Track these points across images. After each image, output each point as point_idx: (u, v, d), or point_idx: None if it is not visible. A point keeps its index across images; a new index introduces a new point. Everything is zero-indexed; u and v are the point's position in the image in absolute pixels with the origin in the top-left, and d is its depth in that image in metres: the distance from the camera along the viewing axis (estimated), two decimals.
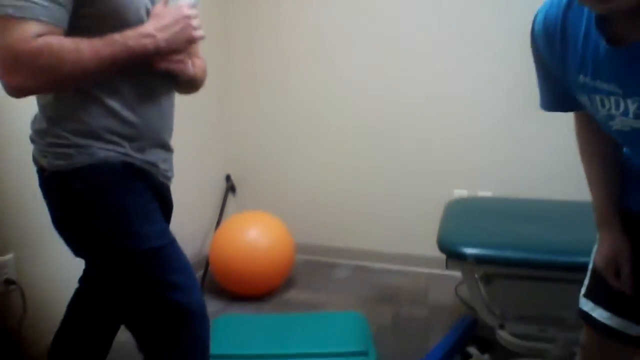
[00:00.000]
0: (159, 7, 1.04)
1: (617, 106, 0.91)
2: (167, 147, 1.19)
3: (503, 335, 1.81)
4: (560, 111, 1.10)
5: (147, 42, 1.00)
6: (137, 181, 1.09)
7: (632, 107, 0.89)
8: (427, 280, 2.62)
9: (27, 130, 1.10)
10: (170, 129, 1.20)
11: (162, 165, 1.16)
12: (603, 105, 0.93)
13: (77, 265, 1.74)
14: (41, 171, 1.08)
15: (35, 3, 0.89)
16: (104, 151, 1.04)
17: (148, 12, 1.04)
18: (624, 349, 1.04)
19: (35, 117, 1.10)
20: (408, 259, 2.76)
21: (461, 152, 2.56)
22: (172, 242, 1.13)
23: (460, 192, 2.50)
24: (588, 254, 1.40)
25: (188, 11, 1.06)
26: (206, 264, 2.53)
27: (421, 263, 2.71)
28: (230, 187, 2.98)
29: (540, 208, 1.94)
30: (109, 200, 1.06)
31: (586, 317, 1.09)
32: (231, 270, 2.34)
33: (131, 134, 1.07)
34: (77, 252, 1.14)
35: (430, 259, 2.63)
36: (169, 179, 1.21)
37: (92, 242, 1.09)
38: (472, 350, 1.80)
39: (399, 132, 2.69)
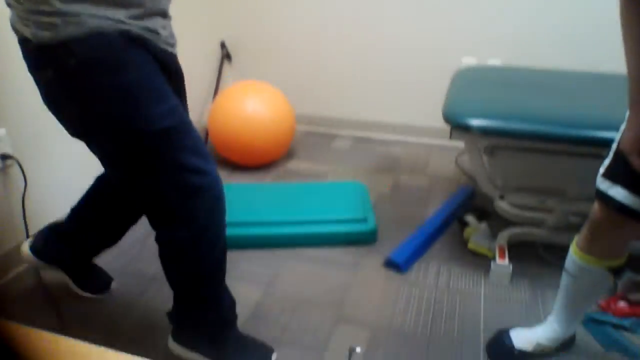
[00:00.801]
0: None
1: None
2: (165, 14, 1.05)
3: (502, 205, 1.85)
4: None
5: None
6: (137, 52, 0.97)
7: None
8: (428, 151, 2.62)
9: None
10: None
11: (163, 32, 1.03)
12: None
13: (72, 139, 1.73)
14: (24, 42, 0.95)
15: None
16: (95, 19, 0.90)
17: None
18: (636, 225, 1.06)
19: None
20: (410, 129, 2.74)
21: (470, 17, 2.38)
22: (183, 121, 1.04)
23: (469, 60, 2.38)
24: (597, 128, 1.37)
25: None
26: (205, 134, 2.51)
27: (423, 133, 2.69)
28: (226, 55, 2.84)
29: (553, 79, 1.84)
30: (109, 78, 0.94)
31: (602, 195, 1.08)
32: (231, 141, 2.32)
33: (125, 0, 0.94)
34: (75, 134, 1.06)
35: (433, 129, 2.61)
36: (172, 45, 1.08)
37: (92, 125, 1.00)
38: (470, 218, 1.85)
39: None
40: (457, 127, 1.57)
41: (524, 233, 1.76)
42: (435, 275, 1.66)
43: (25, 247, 1.47)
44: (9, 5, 0.96)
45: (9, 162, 1.57)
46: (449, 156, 2.49)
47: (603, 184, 1.09)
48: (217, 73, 2.79)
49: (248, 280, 1.61)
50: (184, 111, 1.09)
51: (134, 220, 1.40)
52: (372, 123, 2.81)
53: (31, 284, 1.60)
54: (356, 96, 2.80)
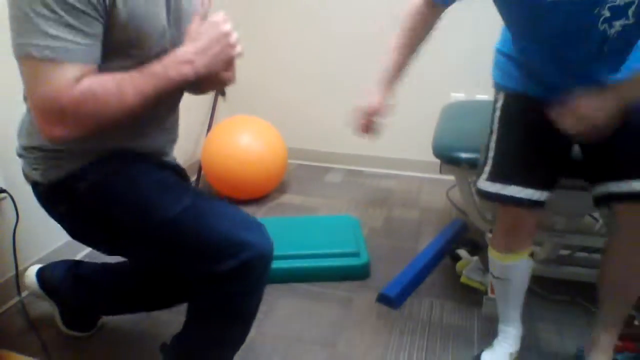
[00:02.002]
0: (194, 27, 0.95)
1: None
2: (167, 154, 1.15)
3: None
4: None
5: (187, 70, 0.91)
6: (137, 162, 1.03)
7: None
8: (419, 184, 2.65)
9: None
10: (173, 141, 1.15)
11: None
12: None
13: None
14: (35, 186, 1.03)
15: (72, 42, 0.79)
16: (97, 146, 0.99)
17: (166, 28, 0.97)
18: (530, 212, 1.24)
19: (22, 127, 1.04)
20: (401, 163, 2.77)
21: (458, 54, 2.45)
22: (195, 200, 1.02)
23: (458, 96, 2.44)
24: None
25: (225, 27, 0.95)
26: (199, 168, 2.52)
27: (414, 167, 2.73)
28: (220, 91, 2.88)
29: None
30: (118, 186, 0.99)
31: (498, 196, 1.25)
32: (224, 175, 2.33)
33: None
34: (113, 251, 1.10)
35: (424, 163, 2.64)
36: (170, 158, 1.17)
37: (121, 234, 1.01)
38: (462, 252, 1.85)
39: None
40: (447, 161, 1.60)
41: None
42: (428, 310, 1.66)
43: (32, 273, 1.46)
44: (20, 156, 1.06)
45: (1, 195, 1.56)
46: (440, 189, 2.52)
47: (493, 187, 1.25)
48: (210, 108, 2.82)
49: None
50: (196, 193, 1.07)
51: (169, 304, 1.37)
52: (363, 157, 2.85)
53: (20, 319, 1.57)
54: (348, 130, 2.84)
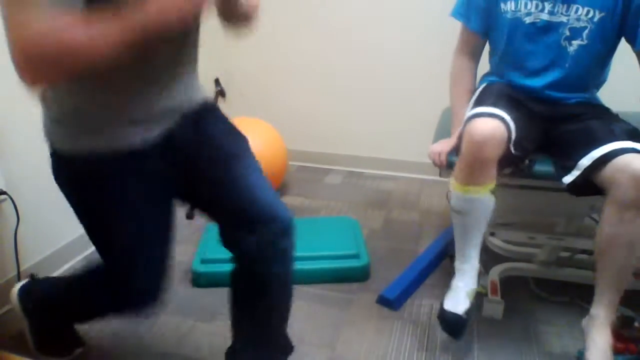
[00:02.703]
0: None
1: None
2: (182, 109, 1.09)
3: (493, 241, 1.87)
4: (472, 24, 1.55)
5: (170, 12, 0.81)
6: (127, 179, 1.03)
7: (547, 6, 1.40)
8: (419, 186, 2.65)
9: None
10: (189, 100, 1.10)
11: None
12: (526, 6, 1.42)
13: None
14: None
15: None
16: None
17: None
18: (495, 139, 1.31)
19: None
20: (401, 165, 2.77)
21: None
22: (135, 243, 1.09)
23: None
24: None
25: None
26: None
27: (414, 169, 2.73)
28: (220, 92, 2.89)
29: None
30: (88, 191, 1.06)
31: (471, 116, 1.36)
32: None
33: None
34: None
35: (423, 166, 2.64)
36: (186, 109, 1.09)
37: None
38: None
39: (396, 37, 2.56)
40: (446, 164, 1.60)
41: (516, 268, 1.77)
42: (428, 312, 1.66)
43: (15, 289, 1.41)
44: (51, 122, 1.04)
45: (1, 197, 1.57)
46: (440, 191, 2.52)
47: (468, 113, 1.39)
48: None
49: None
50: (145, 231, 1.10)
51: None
52: (364, 158, 2.85)
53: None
54: (348, 132, 2.85)
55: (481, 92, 1.53)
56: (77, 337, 1.46)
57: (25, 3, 0.75)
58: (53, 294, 1.33)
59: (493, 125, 1.29)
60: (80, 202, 1.07)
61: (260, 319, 1.20)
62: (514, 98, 1.46)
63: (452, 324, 1.42)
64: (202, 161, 1.10)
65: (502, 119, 1.31)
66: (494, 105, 1.37)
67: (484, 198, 1.36)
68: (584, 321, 1.38)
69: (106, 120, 0.98)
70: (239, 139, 1.18)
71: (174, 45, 1.02)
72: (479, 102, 1.44)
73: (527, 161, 1.44)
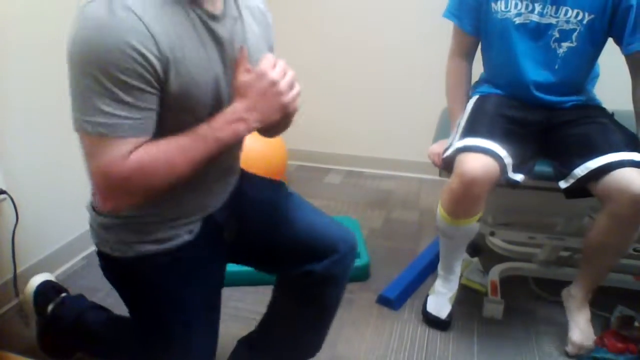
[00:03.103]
0: (241, 80, 0.90)
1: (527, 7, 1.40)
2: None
3: (493, 241, 1.87)
4: (465, 24, 1.54)
5: (240, 129, 0.88)
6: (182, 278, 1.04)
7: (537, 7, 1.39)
8: (419, 186, 2.65)
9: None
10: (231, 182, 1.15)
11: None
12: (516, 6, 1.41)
13: (65, 172, 1.73)
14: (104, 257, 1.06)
15: (125, 117, 0.79)
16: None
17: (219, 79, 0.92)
18: (485, 175, 1.32)
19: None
20: (401, 164, 2.77)
21: None
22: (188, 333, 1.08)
23: None
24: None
25: (273, 74, 0.88)
26: None
27: (414, 169, 2.73)
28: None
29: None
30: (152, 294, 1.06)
31: (462, 148, 1.38)
32: None
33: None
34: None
35: (424, 165, 2.62)
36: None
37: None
38: None
39: (396, 37, 2.56)
40: (446, 164, 1.59)
41: (516, 268, 1.76)
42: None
43: (34, 283, 1.43)
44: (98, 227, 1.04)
45: (1, 197, 1.56)
46: (440, 191, 2.51)
47: (459, 143, 1.38)
48: None
49: (239, 317, 1.58)
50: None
51: None
52: (363, 158, 2.84)
53: (19, 320, 1.57)
54: (348, 132, 2.84)
55: (474, 111, 1.52)
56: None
57: (106, 139, 0.79)
58: (84, 325, 1.32)
59: (483, 163, 1.29)
60: (131, 297, 1.08)
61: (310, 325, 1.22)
62: (508, 117, 1.45)
63: (437, 326, 1.57)
64: (251, 222, 1.14)
65: (494, 155, 1.31)
66: (488, 134, 1.36)
67: (471, 225, 1.42)
68: (564, 293, 1.50)
69: (155, 227, 0.99)
70: (275, 186, 1.25)
71: (228, 153, 1.06)
72: (471, 127, 1.43)
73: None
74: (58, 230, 1.83)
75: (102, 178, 0.82)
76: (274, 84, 0.89)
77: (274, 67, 0.90)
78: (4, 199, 1.57)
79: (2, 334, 1.52)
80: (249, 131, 0.90)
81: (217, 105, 0.92)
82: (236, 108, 0.88)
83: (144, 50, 0.77)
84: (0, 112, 1.55)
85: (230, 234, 1.10)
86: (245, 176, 1.22)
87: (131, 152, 0.81)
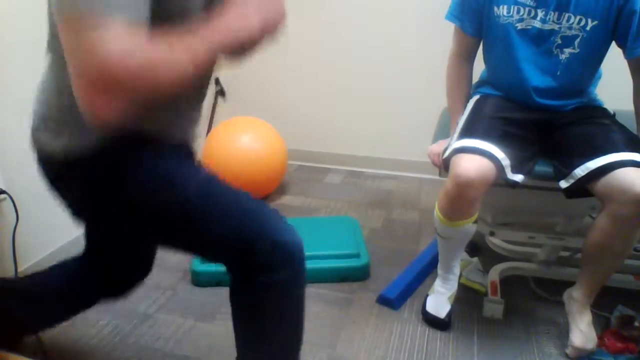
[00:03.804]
0: None
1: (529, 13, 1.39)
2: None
3: (493, 241, 1.87)
4: (466, 26, 1.53)
5: (243, 28, 0.81)
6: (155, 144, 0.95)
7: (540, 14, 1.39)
8: (419, 186, 2.65)
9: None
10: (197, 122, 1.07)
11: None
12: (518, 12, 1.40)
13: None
14: (49, 160, 0.96)
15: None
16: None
17: None
18: (480, 178, 1.32)
19: (44, 96, 0.93)
20: (401, 164, 2.77)
21: None
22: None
23: None
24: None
25: None
26: None
27: (414, 169, 2.73)
28: (220, 91, 2.89)
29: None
30: (142, 164, 0.92)
31: (460, 149, 1.37)
32: (224, 176, 2.32)
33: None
34: (124, 234, 1.06)
35: (424, 164, 2.63)
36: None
37: (142, 214, 0.95)
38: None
39: (396, 37, 2.56)
40: (446, 164, 1.59)
41: (516, 268, 1.76)
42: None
43: None
44: (37, 128, 0.94)
45: (1, 197, 1.56)
46: (440, 191, 2.51)
47: (457, 144, 1.37)
48: (210, 109, 2.82)
49: None
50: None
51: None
52: (363, 158, 2.85)
53: None
54: (348, 132, 2.85)
55: (473, 112, 1.52)
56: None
57: (98, 24, 0.66)
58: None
59: (478, 165, 1.29)
60: (135, 187, 0.94)
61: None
62: (507, 118, 1.45)
63: (436, 326, 1.57)
64: None
65: (491, 156, 1.31)
66: (485, 135, 1.36)
67: (467, 227, 1.43)
68: (565, 295, 1.49)
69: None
70: None
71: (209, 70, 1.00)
72: (469, 129, 1.43)
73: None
74: (58, 230, 1.83)
75: (103, 72, 0.66)
76: None
77: None
78: (4, 199, 1.58)
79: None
80: (252, 32, 0.83)
81: (209, 10, 0.83)
82: (237, 7, 0.82)
83: None
84: (0, 113, 1.56)
85: None
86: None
87: (134, 41, 0.68)
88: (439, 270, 1.60)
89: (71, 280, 1.27)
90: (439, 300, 1.58)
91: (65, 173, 0.95)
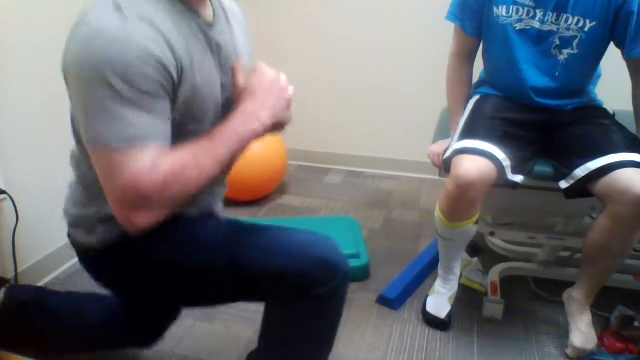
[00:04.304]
0: (241, 83, 0.94)
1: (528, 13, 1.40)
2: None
3: (493, 241, 1.87)
4: (466, 26, 1.53)
5: (255, 126, 0.89)
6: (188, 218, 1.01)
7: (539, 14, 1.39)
8: (419, 186, 2.65)
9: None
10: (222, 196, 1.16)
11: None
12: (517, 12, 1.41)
13: (66, 172, 1.73)
14: (87, 253, 1.04)
15: (145, 124, 0.77)
16: None
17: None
18: (481, 179, 1.32)
19: (73, 199, 1.02)
20: (401, 164, 2.77)
21: None
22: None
23: None
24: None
25: (272, 74, 0.96)
26: None
27: (414, 169, 2.73)
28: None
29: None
30: (176, 233, 0.97)
31: (461, 150, 1.37)
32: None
33: None
34: (171, 300, 1.09)
35: (424, 165, 2.63)
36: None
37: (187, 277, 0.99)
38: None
39: (396, 37, 2.56)
40: (446, 164, 1.59)
41: (516, 268, 1.76)
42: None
43: None
44: (73, 226, 1.02)
45: (1, 197, 1.56)
46: (440, 191, 2.51)
47: (458, 145, 1.37)
48: None
49: (240, 317, 1.58)
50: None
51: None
52: (363, 158, 2.85)
53: None
54: (348, 132, 2.84)
55: (473, 112, 1.52)
56: None
57: (127, 155, 0.75)
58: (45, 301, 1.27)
59: (479, 166, 1.29)
60: (155, 274, 1.00)
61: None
62: (507, 119, 1.45)
63: (436, 326, 1.57)
64: None
65: (491, 157, 1.31)
66: (485, 136, 1.36)
67: (469, 227, 1.42)
68: (565, 295, 1.48)
69: None
70: None
71: None
72: (469, 130, 1.43)
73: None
74: (58, 231, 1.82)
75: (133, 191, 0.76)
76: (276, 80, 0.94)
77: (269, 70, 0.96)
78: (4, 199, 1.58)
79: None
80: (264, 128, 0.91)
81: (217, 111, 0.93)
82: (247, 107, 0.90)
83: (162, 58, 0.77)
84: (1, 113, 1.56)
85: None
86: None
87: (157, 160, 0.77)
88: (440, 271, 1.60)
89: (107, 317, 1.27)
90: (440, 300, 1.58)
91: (104, 259, 1.01)
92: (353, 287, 1.77)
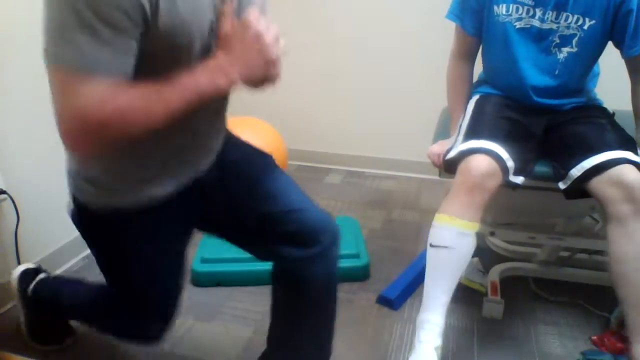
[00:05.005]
0: (225, 31, 0.87)
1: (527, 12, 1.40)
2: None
3: (493, 241, 1.87)
4: (467, 25, 1.53)
5: (220, 81, 0.84)
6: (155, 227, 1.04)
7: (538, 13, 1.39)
8: (419, 186, 2.65)
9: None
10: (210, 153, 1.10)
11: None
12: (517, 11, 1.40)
13: (66, 172, 1.74)
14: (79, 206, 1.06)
15: (107, 56, 0.75)
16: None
17: (212, 28, 0.87)
18: (490, 174, 1.31)
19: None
20: (401, 164, 2.77)
21: None
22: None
23: None
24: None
25: (259, 26, 0.86)
26: None
27: (414, 169, 2.73)
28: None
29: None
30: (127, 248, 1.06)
31: (467, 150, 1.34)
32: None
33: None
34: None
35: (424, 165, 2.63)
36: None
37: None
38: None
39: (396, 37, 2.56)
40: (446, 164, 1.59)
41: (516, 268, 1.77)
42: None
43: (17, 271, 1.43)
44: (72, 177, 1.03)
45: (1, 197, 1.57)
46: (440, 191, 2.51)
47: (463, 146, 1.36)
48: None
49: (239, 317, 1.58)
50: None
51: None
52: (363, 158, 2.85)
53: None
54: (348, 132, 2.85)
55: (475, 112, 1.51)
56: (69, 327, 1.50)
57: (81, 80, 0.75)
58: (62, 297, 1.34)
59: (489, 165, 1.29)
60: (100, 248, 1.08)
61: (301, 324, 1.19)
62: (509, 119, 1.45)
63: None
64: (233, 190, 1.10)
65: (497, 157, 1.31)
66: (491, 136, 1.36)
67: (469, 236, 1.31)
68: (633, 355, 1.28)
69: (133, 183, 0.98)
70: (262, 157, 1.19)
71: (210, 110, 1.03)
72: (474, 129, 1.43)
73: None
74: (58, 230, 1.83)
75: (77, 121, 0.77)
76: (258, 36, 0.86)
77: (258, 21, 0.87)
78: (4, 199, 1.58)
79: (4, 333, 1.52)
80: (230, 84, 0.86)
81: (206, 55, 0.88)
82: (218, 60, 0.86)
83: None
84: (1, 113, 1.56)
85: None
86: (230, 140, 1.18)
87: (108, 94, 0.76)
88: (423, 314, 1.32)
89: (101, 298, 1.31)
90: (424, 353, 1.27)
91: (78, 215, 1.05)
92: (353, 287, 1.77)
